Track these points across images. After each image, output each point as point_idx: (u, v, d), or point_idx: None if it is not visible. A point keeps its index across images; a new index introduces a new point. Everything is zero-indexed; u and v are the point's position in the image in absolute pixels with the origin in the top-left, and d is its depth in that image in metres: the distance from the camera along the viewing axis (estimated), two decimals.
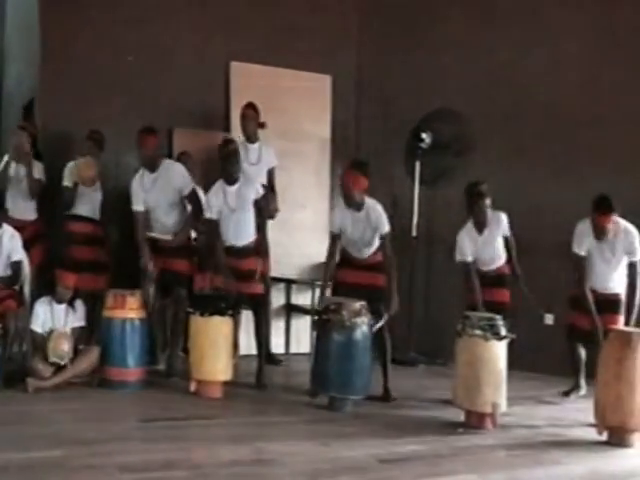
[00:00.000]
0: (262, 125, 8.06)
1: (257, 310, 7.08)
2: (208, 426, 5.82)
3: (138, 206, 7.14)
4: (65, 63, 8.10)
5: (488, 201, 6.90)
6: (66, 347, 6.55)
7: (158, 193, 7.11)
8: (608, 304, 6.87)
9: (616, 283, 6.92)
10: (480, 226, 6.98)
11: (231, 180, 6.98)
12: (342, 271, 6.85)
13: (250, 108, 8.04)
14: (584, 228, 6.88)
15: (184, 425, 5.81)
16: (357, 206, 6.69)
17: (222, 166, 7.03)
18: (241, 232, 6.96)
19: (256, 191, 7.08)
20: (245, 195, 6.99)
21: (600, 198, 6.73)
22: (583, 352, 7.08)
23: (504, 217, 7.02)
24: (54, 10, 8.13)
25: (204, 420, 5.92)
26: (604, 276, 6.91)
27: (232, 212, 6.93)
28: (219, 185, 7.03)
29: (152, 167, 7.14)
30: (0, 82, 10.54)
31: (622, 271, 6.90)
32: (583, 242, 6.88)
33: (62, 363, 6.52)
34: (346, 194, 6.69)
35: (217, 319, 6.54)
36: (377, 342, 6.55)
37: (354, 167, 6.80)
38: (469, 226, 7.01)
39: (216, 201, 6.96)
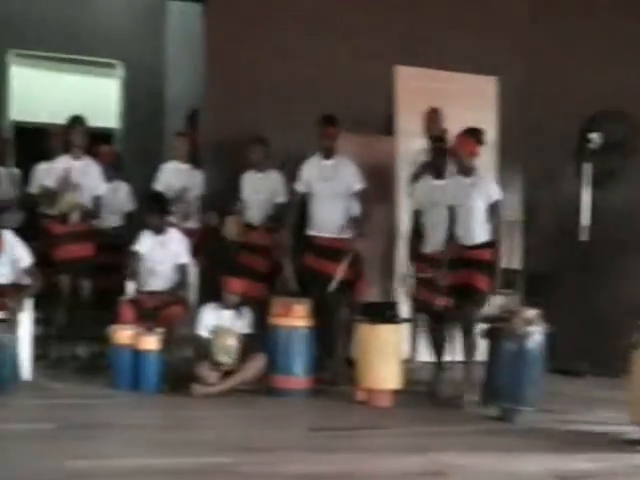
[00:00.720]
0: (444, 131, 7.95)
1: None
2: (378, 436, 5.74)
3: (300, 186, 7.30)
4: (230, 74, 8.26)
5: None
6: (233, 343, 6.56)
7: (327, 181, 7.19)
8: None
9: None
10: None
11: (440, 176, 7.03)
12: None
13: (434, 112, 8.10)
14: None
15: (354, 435, 5.75)
16: (465, 171, 6.60)
17: (432, 161, 7.19)
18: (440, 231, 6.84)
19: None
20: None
21: None
22: None
23: None
24: (219, 24, 8.29)
25: (374, 430, 5.85)
26: None
27: (433, 206, 6.91)
28: (426, 178, 7.16)
29: (328, 155, 7.26)
30: (163, 93, 10.79)
31: None
32: None
33: (229, 361, 6.53)
34: (455, 157, 6.65)
35: (386, 327, 6.46)
36: None
37: (467, 132, 6.74)
38: None
39: (421, 192, 7.09)
